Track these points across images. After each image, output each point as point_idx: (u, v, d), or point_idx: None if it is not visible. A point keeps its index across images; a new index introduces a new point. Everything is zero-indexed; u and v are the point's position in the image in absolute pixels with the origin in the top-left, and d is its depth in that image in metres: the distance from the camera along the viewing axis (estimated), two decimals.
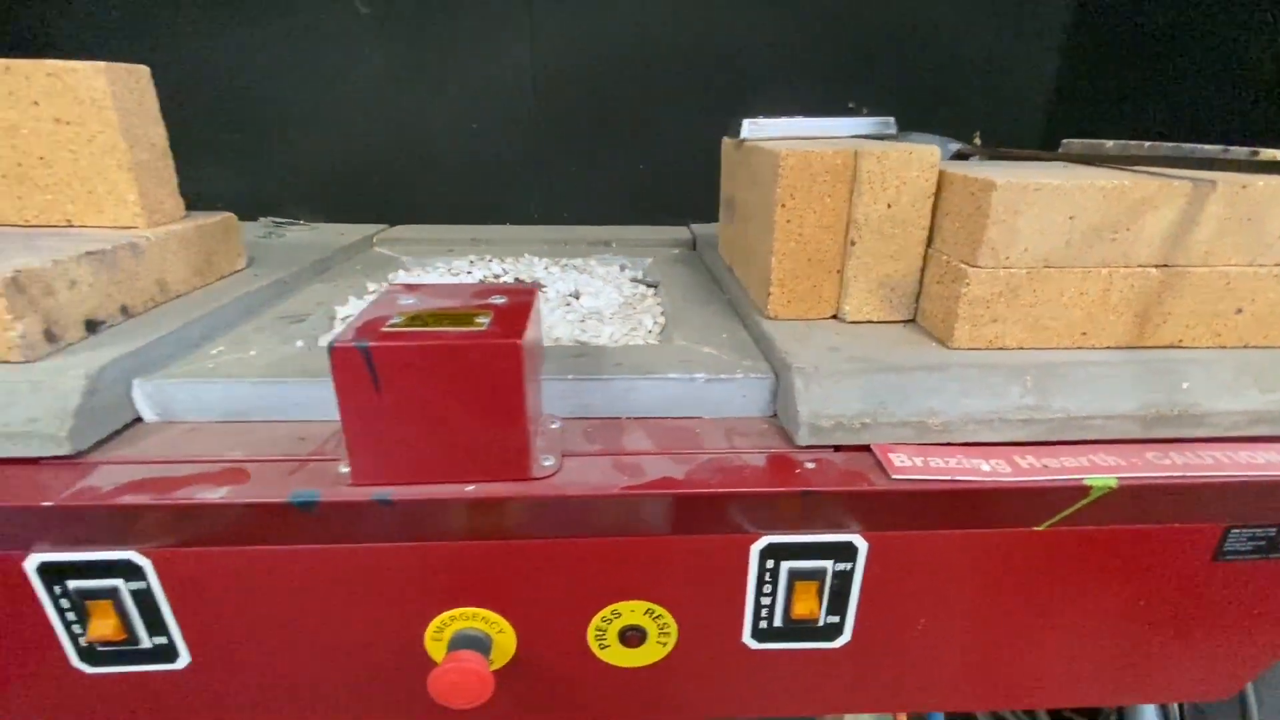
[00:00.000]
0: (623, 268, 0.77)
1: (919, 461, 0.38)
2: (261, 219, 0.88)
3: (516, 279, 0.67)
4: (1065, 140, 0.68)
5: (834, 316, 0.50)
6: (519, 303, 0.39)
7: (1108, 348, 0.44)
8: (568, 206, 0.93)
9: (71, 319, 0.43)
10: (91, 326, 0.45)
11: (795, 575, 0.41)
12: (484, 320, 0.36)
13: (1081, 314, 0.43)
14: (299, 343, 0.50)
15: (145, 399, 0.42)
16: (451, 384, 0.34)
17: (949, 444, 0.40)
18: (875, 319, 0.49)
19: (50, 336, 0.41)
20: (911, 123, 0.90)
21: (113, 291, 0.47)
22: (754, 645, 0.44)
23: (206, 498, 0.35)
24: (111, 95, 0.49)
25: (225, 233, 0.60)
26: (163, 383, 0.42)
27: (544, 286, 0.66)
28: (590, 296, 0.63)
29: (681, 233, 0.89)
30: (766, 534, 0.40)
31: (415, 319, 0.36)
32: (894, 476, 0.37)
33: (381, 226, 0.89)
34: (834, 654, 0.45)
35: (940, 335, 0.45)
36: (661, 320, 0.56)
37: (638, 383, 0.43)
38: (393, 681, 0.44)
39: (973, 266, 0.42)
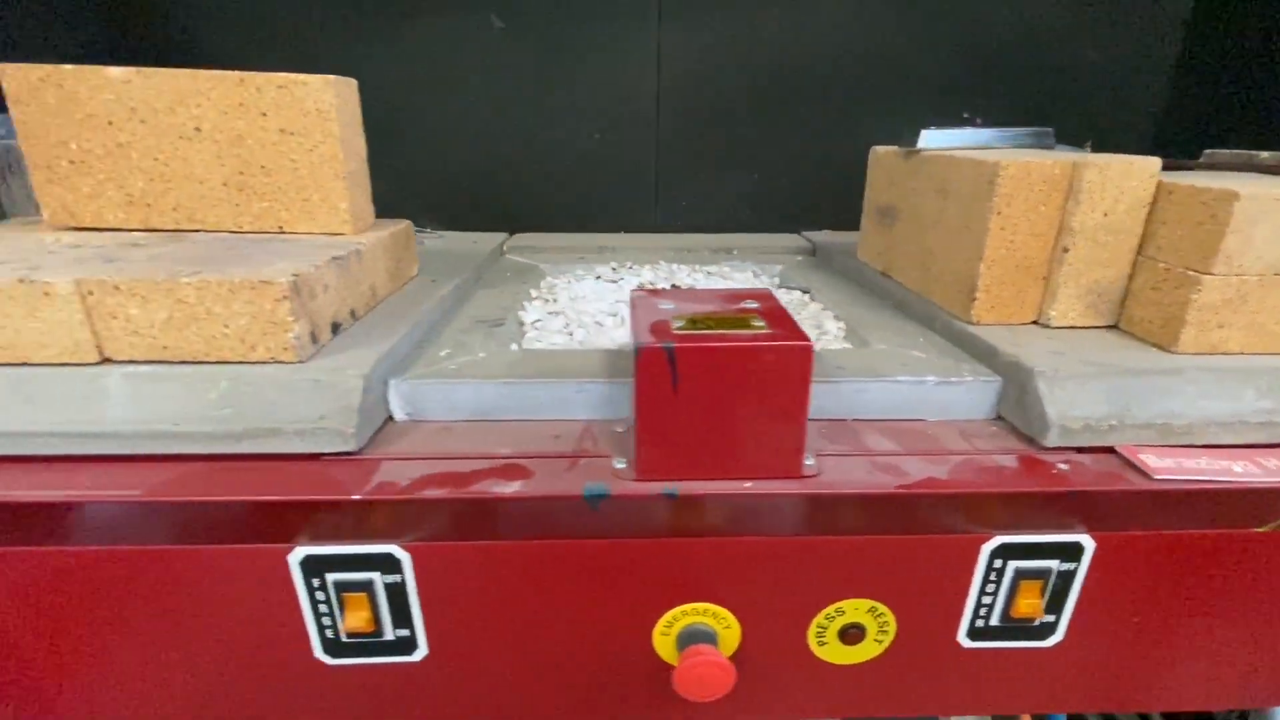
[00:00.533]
0: (755, 274, 0.79)
1: (1172, 463, 0.39)
2: None
3: (674, 285, 0.69)
4: (1208, 151, 0.69)
5: (1034, 321, 0.51)
6: (773, 308, 0.41)
7: None
8: (682, 215, 0.95)
9: (324, 321, 0.45)
10: (335, 329, 0.47)
11: (1021, 575, 0.42)
12: (760, 324, 0.38)
13: None
14: (513, 346, 0.52)
15: (399, 399, 0.44)
16: (744, 383, 0.36)
17: (1190, 445, 0.41)
18: (1079, 324, 0.50)
19: (314, 338, 0.43)
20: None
21: (346, 296, 0.48)
22: (967, 644, 0.45)
23: (502, 492, 0.37)
24: (336, 107, 0.51)
25: (407, 240, 0.62)
26: (416, 383, 0.44)
27: None
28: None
29: (796, 240, 0.90)
30: (1001, 534, 0.41)
31: (694, 322, 0.38)
32: (1156, 477, 0.38)
33: (504, 235, 0.91)
34: (1044, 653, 0.46)
35: (1158, 340, 0.46)
36: (842, 324, 0.57)
37: (868, 385, 0.45)
38: (619, 674, 0.45)
39: (1205, 274, 0.43)
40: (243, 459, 0.39)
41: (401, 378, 0.44)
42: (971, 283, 0.50)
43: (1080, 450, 0.41)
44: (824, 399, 0.45)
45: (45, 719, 0.44)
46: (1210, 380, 0.42)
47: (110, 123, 0.50)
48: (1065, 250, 0.48)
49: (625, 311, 0.60)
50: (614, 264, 0.78)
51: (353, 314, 0.50)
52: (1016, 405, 0.44)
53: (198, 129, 0.51)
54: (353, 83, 0.55)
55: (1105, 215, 0.46)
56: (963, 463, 0.40)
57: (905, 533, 0.40)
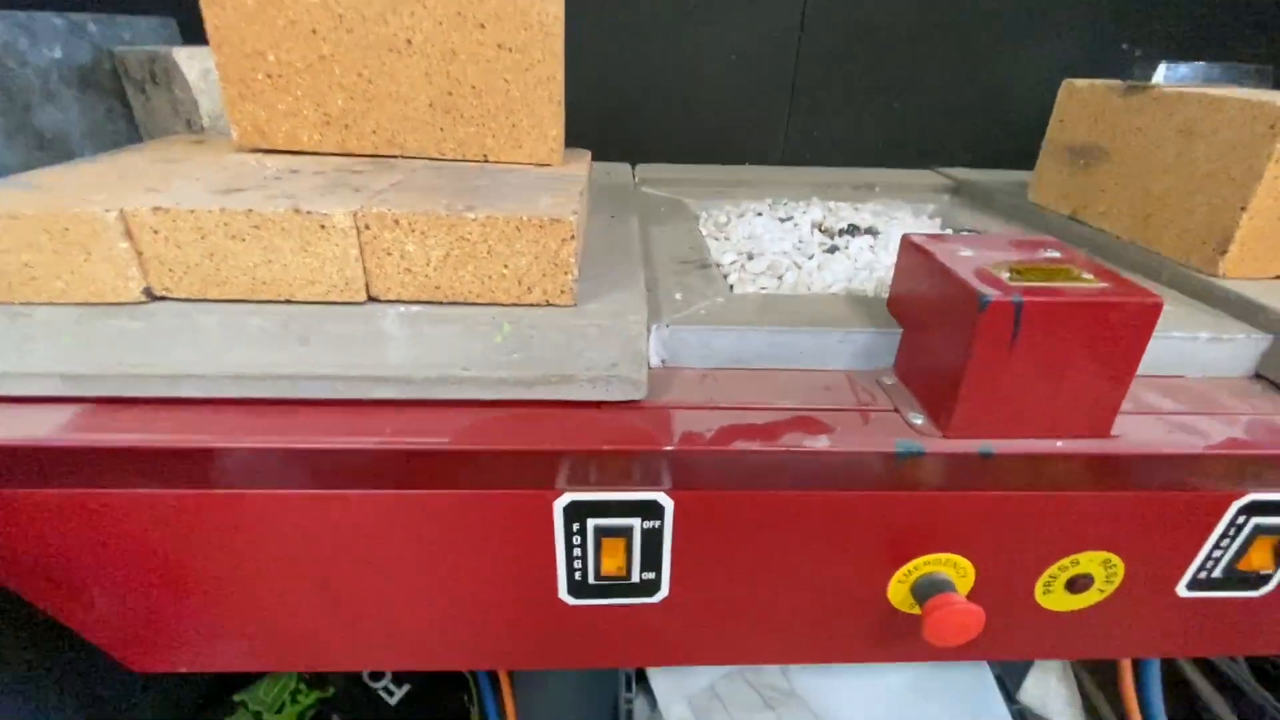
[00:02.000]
0: (914, 212, 0.76)
1: None
2: None
3: (850, 225, 0.66)
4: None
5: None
6: (1084, 260, 0.39)
7: None
8: (811, 148, 0.90)
9: (576, 264, 0.42)
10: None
11: (1260, 530, 0.43)
12: (1089, 277, 0.36)
13: None
14: (732, 289, 0.49)
15: (659, 344, 0.42)
16: (1084, 341, 0.34)
17: None
18: None
19: (575, 281, 0.41)
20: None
21: (578, 236, 0.46)
22: (1185, 594, 0.46)
23: (813, 447, 0.36)
24: (558, 23, 0.47)
25: (588, 172, 0.59)
26: (677, 330, 0.42)
27: (881, 235, 0.64)
28: None
29: (935, 177, 0.86)
30: (1251, 493, 0.41)
31: (1019, 273, 0.36)
32: None
33: (626, 165, 0.86)
34: (1254, 602, 0.47)
35: None
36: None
37: None
38: (853, 616, 0.46)
39: None
40: (535, 405, 0.37)
41: (662, 324, 0.42)
42: (1226, 234, 0.48)
43: None
44: None
45: (306, 651, 0.45)
46: None
47: (314, 31, 0.46)
48: None
49: (820, 256, 0.58)
50: (770, 200, 0.75)
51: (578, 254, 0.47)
52: None
53: (409, 41, 0.46)
54: None
55: None
56: (1253, 422, 0.40)
57: (1170, 490, 0.40)
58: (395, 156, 0.50)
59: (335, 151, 0.50)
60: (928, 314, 0.40)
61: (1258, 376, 0.45)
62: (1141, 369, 0.44)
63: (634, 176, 0.81)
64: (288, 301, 0.38)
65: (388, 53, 0.47)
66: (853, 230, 0.64)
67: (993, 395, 0.36)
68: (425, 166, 0.48)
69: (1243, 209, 0.47)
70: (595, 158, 0.86)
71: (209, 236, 0.36)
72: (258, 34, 0.46)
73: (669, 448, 0.35)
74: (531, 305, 0.39)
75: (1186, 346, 0.44)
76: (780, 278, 0.53)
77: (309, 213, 0.36)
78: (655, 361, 0.43)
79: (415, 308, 0.38)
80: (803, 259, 0.57)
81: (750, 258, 0.57)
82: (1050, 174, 0.68)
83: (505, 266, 0.38)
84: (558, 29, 0.46)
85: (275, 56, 0.46)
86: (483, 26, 0.46)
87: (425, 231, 0.37)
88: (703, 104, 0.87)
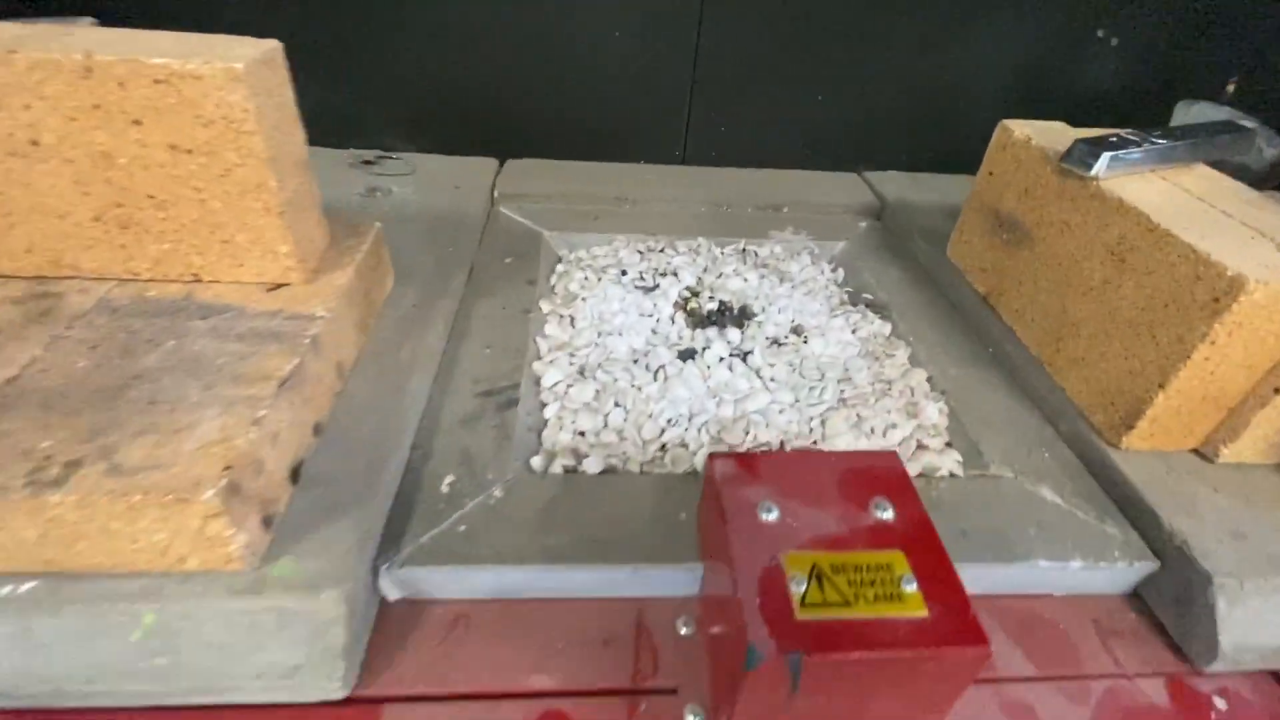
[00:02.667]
0: (813, 257, 0.64)
1: None
2: (349, 151, 0.69)
3: (722, 304, 0.54)
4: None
5: (1195, 450, 0.41)
6: (919, 531, 0.29)
7: None
8: (718, 146, 0.75)
9: (279, 479, 0.32)
10: (295, 475, 0.34)
11: None
12: (910, 588, 0.27)
13: None
14: (535, 460, 0.39)
15: (396, 586, 0.33)
16: (888, 688, 0.26)
17: None
18: (1250, 461, 0.40)
19: (267, 522, 0.31)
20: (1163, 56, 0.72)
21: (305, 415, 0.35)
22: None
23: None
24: (255, 112, 0.32)
25: (377, 258, 0.46)
26: (414, 570, 0.33)
27: (756, 319, 0.53)
28: (817, 337, 0.51)
29: (857, 188, 0.73)
30: None
31: (819, 581, 0.27)
32: None
33: (493, 163, 0.71)
34: None
35: None
36: (944, 408, 0.46)
37: (1001, 570, 0.35)
38: None
39: None
40: (194, 711, 0.29)
41: (393, 562, 0.32)
42: (1136, 407, 0.38)
43: (1243, 674, 0.34)
44: None
45: None
46: None
47: None
48: (1277, 391, 0.36)
49: (671, 365, 0.47)
50: (643, 247, 0.62)
51: (316, 430, 0.36)
52: (1174, 606, 0.35)
53: (34, 142, 0.32)
54: (274, 50, 0.35)
55: None
56: (1105, 698, 0.33)
57: None
58: (69, 278, 0.37)
59: None
60: (710, 599, 0.31)
61: (1135, 594, 0.38)
62: (1005, 587, 0.37)
63: (494, 189, 0.67)
64: None
65: (8, 156, 0.32)
66: (722, 315, 0.53)
67: None
68: (94, 313, 0.35)
69: (1161, 387, 0.37)
70: (465, 149, 0.71)
71: None
72: None
73: None
74: (191, 572, 0.29)
75: (1054, 575, 0.36)
76: (606, 417, 0.43)
77: None
78: (393, 596, 0.34)
79: (26, 585, 0.28)
80: (646, 376, 0.46)
81: (581, 373, 0.46)
82: (972, 234, 0.56)
83: (135, 541, 0.27)
84: (252, 124, 0.32)
85: None
86: (138, 123, 0.32)
87: (3, 519, 0.26)
88: (589, 92, 0.70)
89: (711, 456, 0.32)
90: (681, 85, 0.70)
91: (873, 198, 0.72)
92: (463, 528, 0.34)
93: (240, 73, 0.31)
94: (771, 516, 0.29)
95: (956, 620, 0.26)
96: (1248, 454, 0.39)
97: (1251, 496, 0.38)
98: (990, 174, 0.53)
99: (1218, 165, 0.47)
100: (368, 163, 0.68)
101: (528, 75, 0.69)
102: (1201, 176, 0.44)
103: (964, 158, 0.75)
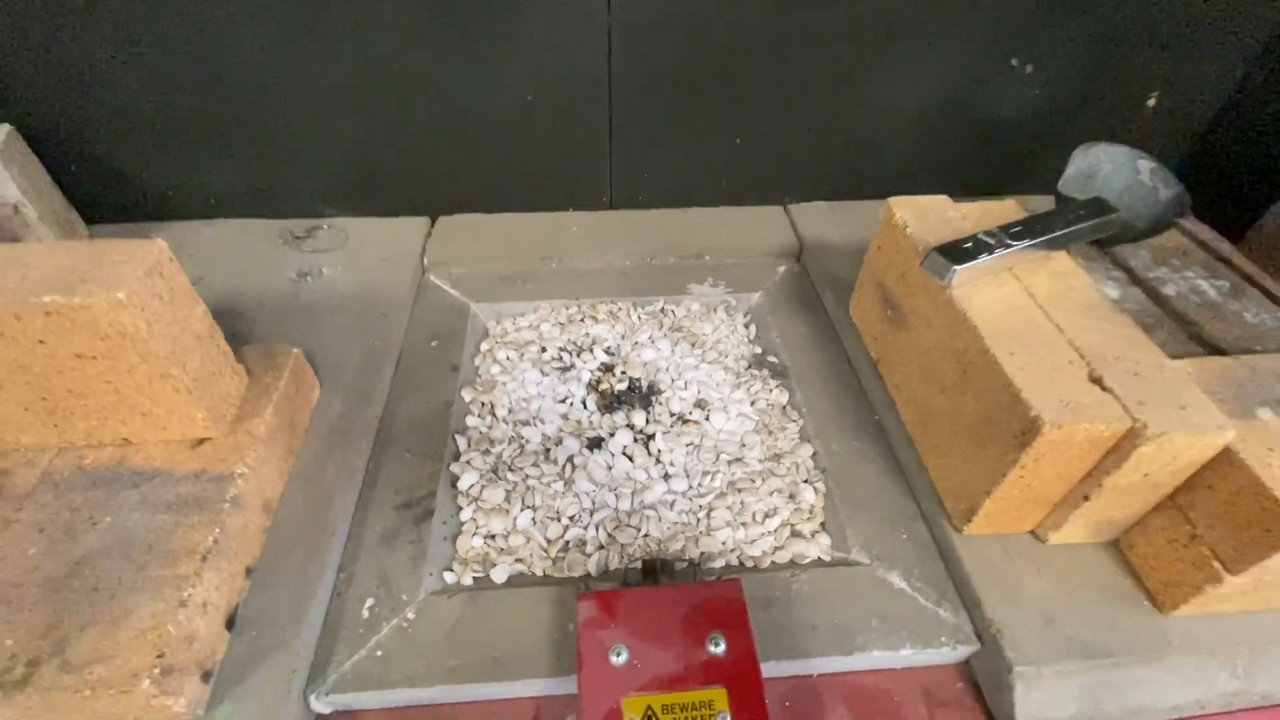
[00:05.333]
0: (729, 313, 0.67)
1: None
2: (280, 225, 0.71)
3: (632, 382, 0.58)
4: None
5: (1032, 532, 0.46)
6: (741, 661, 0.35)
7: None
8: (643, 187, 0.76)
9: (215, 633, 0.38)
10: (230, 623, 0.39)
11: None
12: (724, 714, 0.33)
13: None
14: (448, 574, 0.45)
15: (326, 705, 0.39)
16: None
17: None
18: (1078, 541, 0.45)
19: (206, 676, 0.37)
20: (1081, 79, 0.73)
21: (235, 566, 0.40)
22: None
23: None
24: (145, 324, 0.36)
25: (298, 383, 0.50)
26: (339, 697, 0.39)
27: (664, 394, 0.57)
28: (719, 412, 0.56)
29: (779, 228, 0.75)
30: None
31: (652, 717, 0.33)
32: None
33: (425, 222, 0.73)
34: None
35: (1155, 590, 0.42)
36: (822, 489, 0.51)
37: (841, 660, 0.42)
38: None
39: (1232, 574, 0.38)
40: None
41: (319, 691, 0.39)
42: (972, 505, 0.43)
43: None
44: (794, 666, 0.42)
45: None
46: (1190, 668, 0.40)
47: None
48: (1086, 498, 0.41)
49: (580, 456, 0.52)
50: (563, 318, 0.65)
51: (248, 572, 0.42)
52: (990, 679, 0.42)
53: None
54: (160, 255, 0.38)
55: (1146, 476, 0.39)
56: None
57: None
58: (14, 450, 0.42)
59: None
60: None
61: (967, 662, 0.44)
62: (852, 664, 0.43)
63: (424, 256, 0.70)
64: None
65: None
66: (631, 394, 0.57)
67: None
68: (41, 489, 0.40)
69: (988, 494, 0.42)
70: (398, 209, 0.73)
71: None
72: None
73: None
74: None
75: (889, 657, 0.42)
76: (515, 520, 0.48)
77: None
78: (326, 710, 0.40)
79: None
80: (553, 471, 0.51)
81: (495, 471, 0.51)
82: (866, 300, 0.59)
83: (90, 715, 0.33)
84: (141, 333, 0.36)
85: None
86: (42, 343, 0.36)
87: None
88: (514, 147, 0.71)
89: (579, 598, 0.38)
90: (600, 136, 0.71)
91: (793, 237, 0.74)
92: (379, 653, 0.40)
93: (124, 300, 0.34)
94: (620, 660, 0.35)
95: None
96: (1073, 538, 0.45)
97: (1071, 576, 0.44)
98: (879, 248, 0.56)
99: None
100: (298, 237, 0.70)
101: (454, 135, 0.70)
102: (1054, 274, 0.47)
103: (885, 184, 0.77)
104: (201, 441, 0.43)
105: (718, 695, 0.34)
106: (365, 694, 0.39)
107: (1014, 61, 0.69)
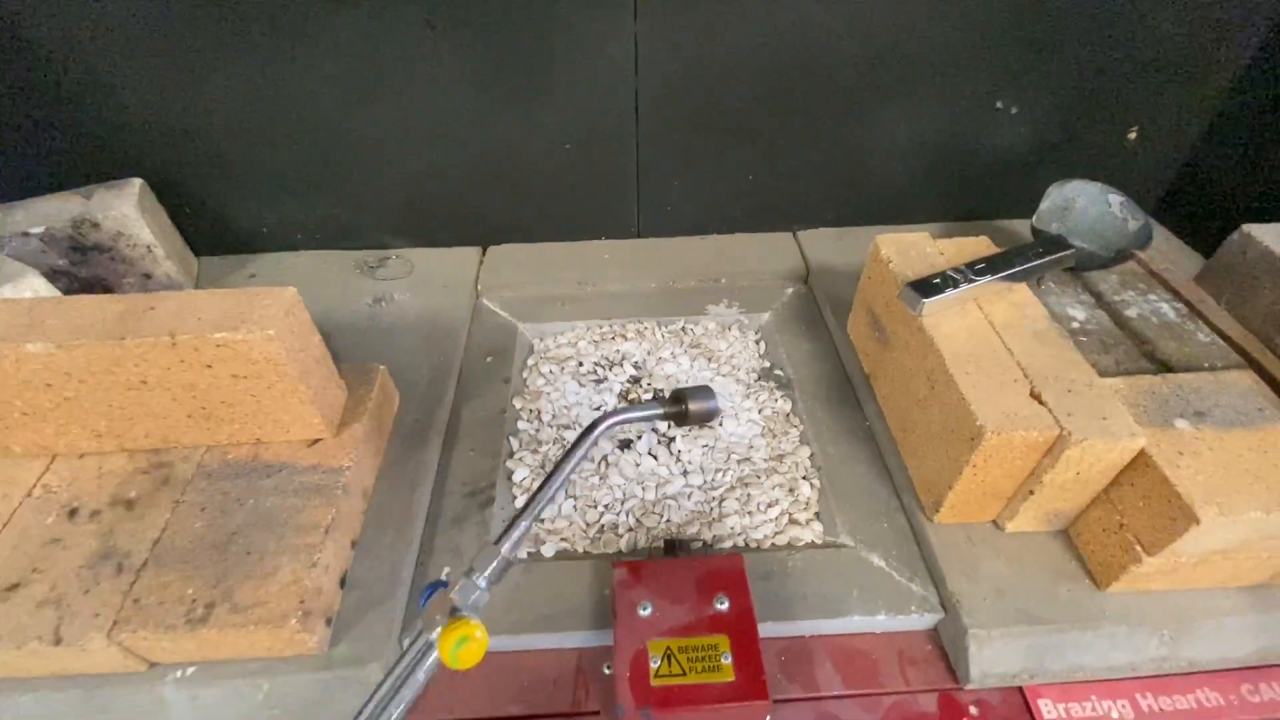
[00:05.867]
0: (741, 330, 0.77)
1: (1062, 711, 0.48)
2: (355, 256, 0.84)
3: (656, 393, 0.68)
4: (1246, 228, 0.63)
5: (993, 521, 0.54)
6: (741, 620, 0.45)
7: (1241, 586, 0.50)
8: (666, 219, 0.86)
9: (333, 590, 0.49)
10: (342, 582, 0.51)
11: None
12: (728, 660, 0.43)
13: (1229, 571, 0.48)
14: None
15: None
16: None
17: (1086, 681, 0.49)
18: (1032, 530, 0.53)
19: (329, 621, 0.48)
20: (1062, 116, 0.80)
21: (344, 540, 0.51)
22: None
23: None
24: (284, 352, 0.47)
25: (384, 393, 0.61)
26: None
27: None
28: (730, 418, 0.65)
29: (789, 253, 0.84)
30: None
31: (668, 658, 0.43)
32: None
33: (476, 252, 0.85)
34: None
35: (1094, 570, 0.50)
36: (817, 485, 0.60)
37: (826, 623, 0.51)
38: None
39: (1149, 556, 0.46)
40: None
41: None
42: (939, 497, 0.52)
43: (998, 690, 0.50)
44: (786, 630, 0.51)
45: None
46: (1122, 635, 0.48)
47: (49, 385, 0.47)
48: (1031, 492, 0.49)
49: (613, 454, 0.62)
50: (596, 336, 0.76)
51: (354, 545, 0.53)
52: (951, 642, 0.50)
53: (144, 381, 0.48)
54: (293, 299, 0.49)
55: (1077, 475, 0.47)
56: (892, 708, 0.49)
57: None
58: (174, 448, 0.54)
59: (115, 450, 0.53)
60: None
61: (936, 630, 0.53)
62: (837, 627, 0.52)
63: (477, 282, 0.81)
64: (82, 675, 0.46)
65: (127, 390, 0.48)
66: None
67: None
68: (197, 478, 0.52)
69: (950, 488, 0.50)
70: (453, 240, 0.84)
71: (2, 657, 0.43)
72: None
73: None
74: (289, 657, 0.46)
75: (868, 622, 0.51)
76: (560, 507, 0.59)
77: (69, 645, 0.42)
78: None
79: (190, 669, 0.46)
80: (591, 467, 0.61)
81: (543, 467, 0.62)
82: (859, 321, 0.68)
83: (252, 643, 0.45)
84: (283, 359, 0.47)
85: (22, 402, 0.48)
86: (210, 367, 0.47)
87: (171, 638, 0.43)
88: (553, 187, 0.82)
89: (614, 564, 0.48)
90: (628, 175, 0.81)
91: (801, 261, 0.83)
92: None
93: (273, 336, 0.46)
94: (646, 613, 0.45)
95: (752, 683, 0.42)
96: (1026, 526, 0.53)
97: (1023, 558, 0.52)
98: (869, 278, 0.65)
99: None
100: (372, 267, 0.82)
101: (503, 176, 0.81)
102: (1013, 304, 0.56)
103: (884, 212, 0.86)
104: (315, 441, 0.54)
105: (721, 641, 0.44)
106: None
107: (999, 104, 0.77)
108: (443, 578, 0.52)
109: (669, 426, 0.65)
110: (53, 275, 0.69)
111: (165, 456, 0.53)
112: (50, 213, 0.69)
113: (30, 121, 0.71)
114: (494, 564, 0.44)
